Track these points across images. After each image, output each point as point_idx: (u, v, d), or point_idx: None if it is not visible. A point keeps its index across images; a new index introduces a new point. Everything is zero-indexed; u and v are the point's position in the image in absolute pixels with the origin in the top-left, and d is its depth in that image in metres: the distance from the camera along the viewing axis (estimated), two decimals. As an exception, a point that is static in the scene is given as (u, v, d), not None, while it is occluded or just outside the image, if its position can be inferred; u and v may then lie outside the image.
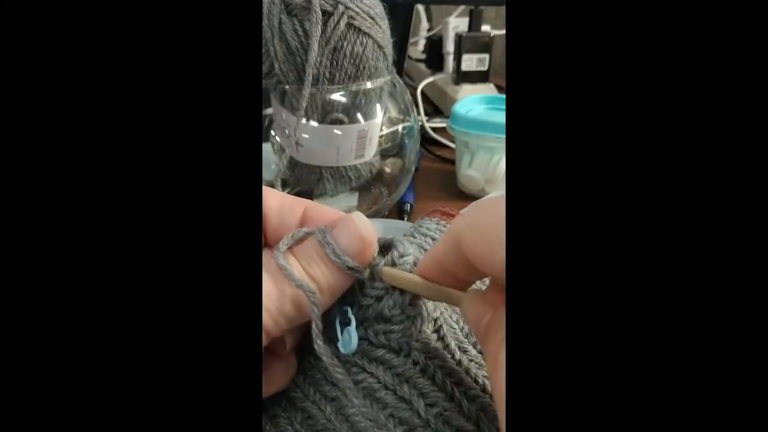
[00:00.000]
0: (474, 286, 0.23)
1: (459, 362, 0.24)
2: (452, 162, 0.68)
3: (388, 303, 0.24)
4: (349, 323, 0.24)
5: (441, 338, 0.25)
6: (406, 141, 0.55)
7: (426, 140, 0.78)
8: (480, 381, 0.24)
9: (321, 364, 0.24)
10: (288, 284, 0.22)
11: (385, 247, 0.25)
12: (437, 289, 0.22)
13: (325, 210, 0.25)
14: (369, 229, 0.23)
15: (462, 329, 0.26)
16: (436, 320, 0.25)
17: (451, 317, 0.27)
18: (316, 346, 0.21)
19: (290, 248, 0.23)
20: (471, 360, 0.25)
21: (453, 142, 0.72)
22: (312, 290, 0.21)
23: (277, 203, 0.25)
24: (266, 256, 0.23)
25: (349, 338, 0.24)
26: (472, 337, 0.26)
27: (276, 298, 0.21)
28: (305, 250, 0.23)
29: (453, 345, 0.25)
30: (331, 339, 0.24)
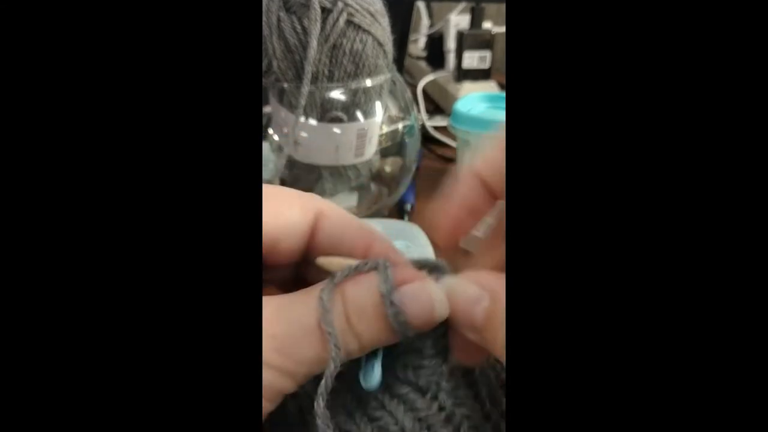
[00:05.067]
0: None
1: (488, 416, 0.21)
2: (454, 161, 0.68)
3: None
4: (376, 354, 0.21)
5: (472, 384, 0.22)
6: (407, 140, 0.54)
7: (427, 139, 0.78)
8: None
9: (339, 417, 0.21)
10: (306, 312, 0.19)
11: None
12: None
13: (387, 247, 0.22)
14: (443, 303, 0.20)
15: (497, 377, 0.23)
16: None
17: (487, 362, 0.23)
18: (316, 405, 0.18)
19: (341, 283, 0.20)
20: (502, 416, 0.22)
21: (454, 140, 0.71)
22: (339, 348, 0.19)
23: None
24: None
25: (372, 371, 0.21)
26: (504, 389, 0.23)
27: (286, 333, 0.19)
28: (359, 299, 0.20)
29: (484, 394, 0.22)
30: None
